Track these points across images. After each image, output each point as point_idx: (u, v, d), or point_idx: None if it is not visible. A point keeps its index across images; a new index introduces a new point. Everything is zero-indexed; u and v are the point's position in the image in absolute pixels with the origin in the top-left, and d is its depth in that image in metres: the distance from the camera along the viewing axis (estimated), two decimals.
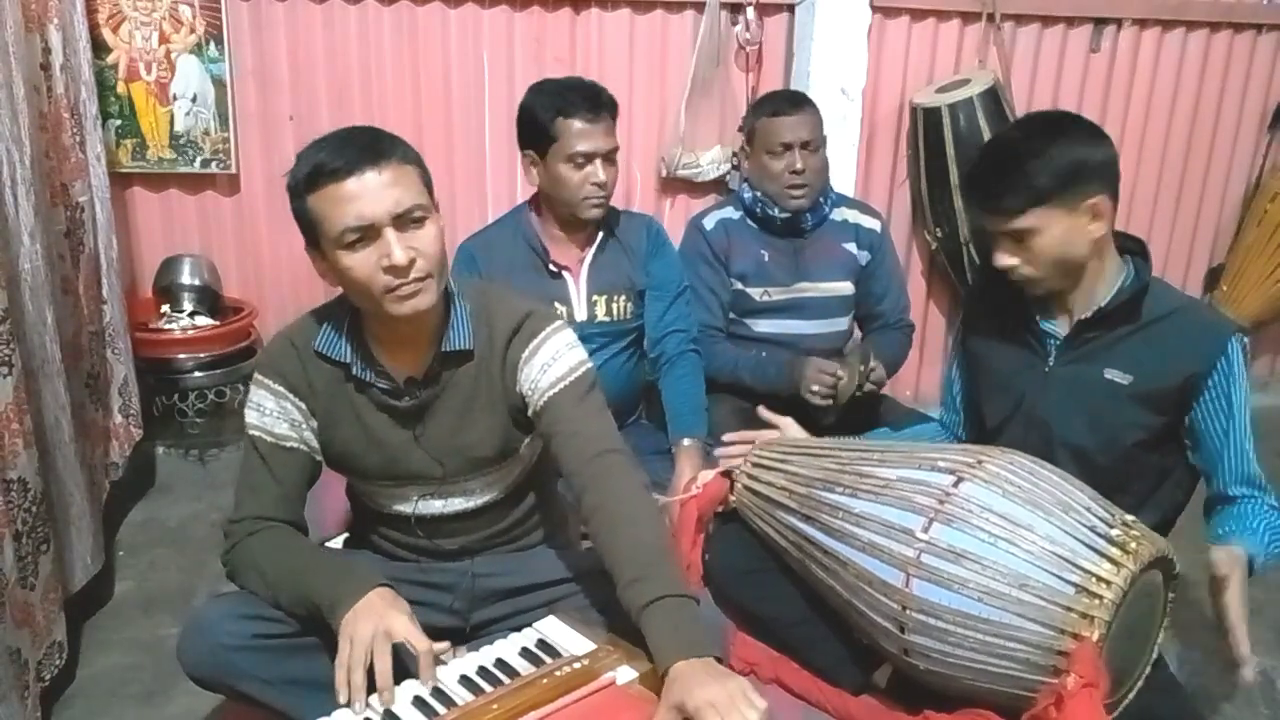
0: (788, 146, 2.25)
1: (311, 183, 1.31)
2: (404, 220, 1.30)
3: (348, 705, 1.20)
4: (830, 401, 2.16)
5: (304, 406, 1.44)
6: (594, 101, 2.06)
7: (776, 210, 2.31)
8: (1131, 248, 1.66)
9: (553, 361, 1.43)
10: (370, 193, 1.28)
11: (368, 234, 1.29)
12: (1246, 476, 1.58)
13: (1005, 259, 1.59)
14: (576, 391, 1.43)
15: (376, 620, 1.24)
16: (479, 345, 1.43)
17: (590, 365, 1.47)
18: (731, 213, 2.40)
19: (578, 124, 2.03)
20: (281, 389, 1.43)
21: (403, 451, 1.45)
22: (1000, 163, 1.57)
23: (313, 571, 1.35)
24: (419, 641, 1.23)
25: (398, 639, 1.23)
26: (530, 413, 1.45)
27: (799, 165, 2.25)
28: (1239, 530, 1.53)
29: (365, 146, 1.31)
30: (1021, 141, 1.57)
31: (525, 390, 1.44)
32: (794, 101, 2.31)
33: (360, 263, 1.30)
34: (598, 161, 2.05)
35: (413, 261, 1.30)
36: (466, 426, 1.45)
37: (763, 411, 1.90)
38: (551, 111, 2.05)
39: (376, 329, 1.42)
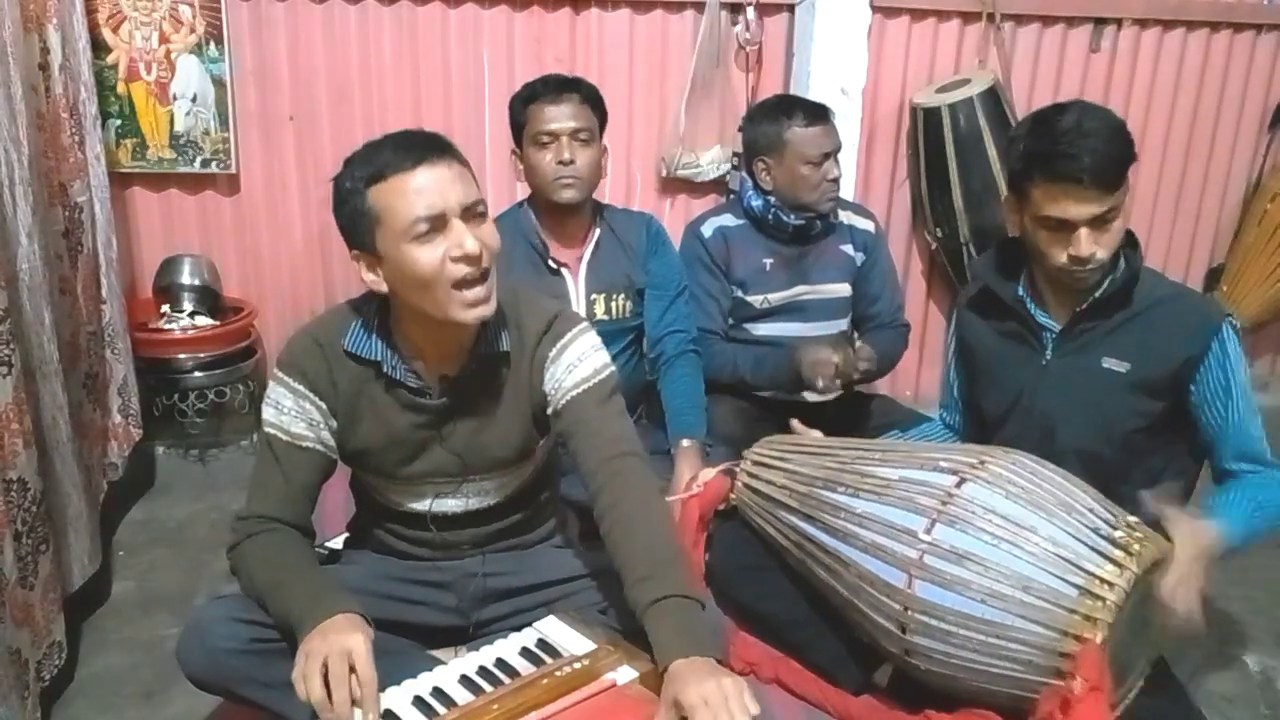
0: (826, 156, 2.26)
1: (377, 176, 1.30)
2: (469, 213, 1.32)
3: (318, 713, 1.18)
4: (837, 383, 2.15)
5: (324, 406, 1.43)
6: (559, 84, 2.09)
7: (792, 217, 2.30)
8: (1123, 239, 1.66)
9: (578, 362, 1.44)
10: (440, 183, 1.30)
11: (436, 225, 1.29)
12: (1246, 453, 1.59)
13: (1091, 246, 1.54)
14: (599, 394, 1.44)
15: (333, 639, 1.21)
16: (511, 345, 1.44)
17: (613, 369, 1.48)
18: (730, 220, 2.38)
19: (541, 105, 2.07)
20: (302, 388, 1.42)
21: (424, 449, 1.46)
22: (1092, 142, 1.50)
23: (292, 587, 1.33)
24: (364, 669, 1.19)
25: (352, 661, 1.20)
26: (550, 411, 1.46)
27: (836, 173, 2.28)
28: (1226, 503, 1.55)
29: (429, 142, 1.33)
30: (1097, 121, 1.53)
31: (549, 389, 1.45)
32: (822, 110, 2.30)
33: (428, 255, 1.29)
34: (563, 140, 2.06)
35: (481, 253, 1.31)
36: (490, 425, 1.46)
37: (796, 425, 1.91)
38: (521, 101, 2.11)
39: (413, 328, 1.41)
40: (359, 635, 1.22)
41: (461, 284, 1.31)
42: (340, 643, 1.20)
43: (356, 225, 1.34)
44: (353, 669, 1.18)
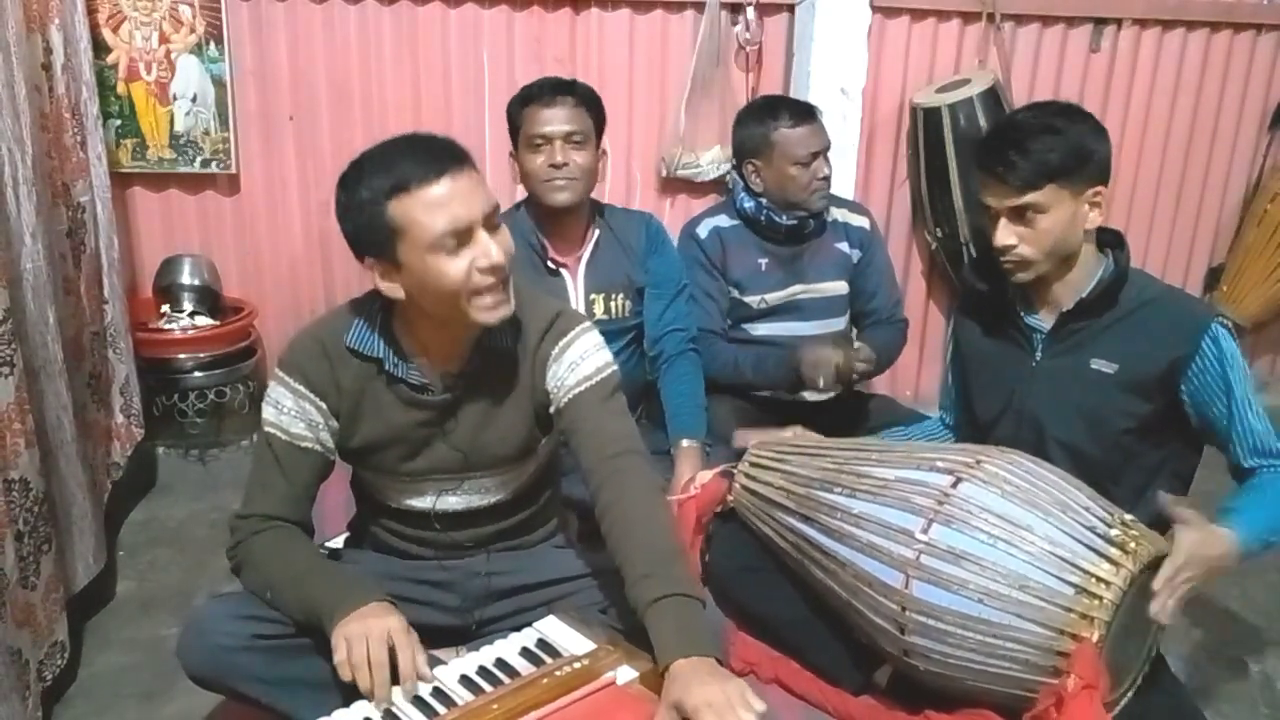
0: (815, 155, 2.26)
1: (398, 188, 1.29)
2: (488, 222, 1.33)
3: (371, 699, 1.21)
4: (838, 385, 2.15)
5: (324, 406, 1.44)
6: (554, 86, 2.09)
7: (784, 217, 2.30)
8: (1109, 241, 1.68)
9: (580, 360, 1.45)
10: (463, 194, 1.30)
11: (463, 238, 1.30)
12: (1260, 448, 1.57)
13: (1006, 237, 1.60)
14: (601, 392, 1.45)
15: (371, 623, 1.24)
16: (513, 343, 1.45)
17: (615, 368, 1.49)
18: (725, 220, 2.38)
19: (536, 108, 2.07)
20: (303, 388, 1.42)
21: (427, 446, 1.47)
22: (1016, 135, 1.58)
23: (315, 578, 1.35)
24: (405, 647, 1.23)
25: (391, 641, 1.23)
26: (553, 409, 1.47)
27: (826, 172, 2.28)
28: (1246, 505, 1.51)
29: (445, 150, 1.33)
30: (1037, 119, 1.60)
31: (551, 387, 1.46)
32: (807, 110, 2.30)
33: (455, 267, 1.30)
34: (556, 143, 2.06)
35: (505, 262, 1.33)
36: (493, 422, 1.47)
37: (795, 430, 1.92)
38: (518, 103, 2.11)
39: (421, 327, 1.42)
40: (394, 617, 1.26)
41: (485, 290, 1.32)
42: (379, 625, 1.24)
43: (374, 236, 1.33)
44: (393, 650, 1.23)
